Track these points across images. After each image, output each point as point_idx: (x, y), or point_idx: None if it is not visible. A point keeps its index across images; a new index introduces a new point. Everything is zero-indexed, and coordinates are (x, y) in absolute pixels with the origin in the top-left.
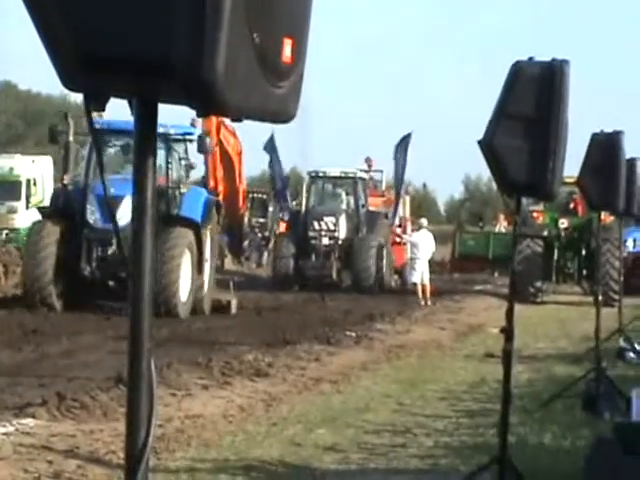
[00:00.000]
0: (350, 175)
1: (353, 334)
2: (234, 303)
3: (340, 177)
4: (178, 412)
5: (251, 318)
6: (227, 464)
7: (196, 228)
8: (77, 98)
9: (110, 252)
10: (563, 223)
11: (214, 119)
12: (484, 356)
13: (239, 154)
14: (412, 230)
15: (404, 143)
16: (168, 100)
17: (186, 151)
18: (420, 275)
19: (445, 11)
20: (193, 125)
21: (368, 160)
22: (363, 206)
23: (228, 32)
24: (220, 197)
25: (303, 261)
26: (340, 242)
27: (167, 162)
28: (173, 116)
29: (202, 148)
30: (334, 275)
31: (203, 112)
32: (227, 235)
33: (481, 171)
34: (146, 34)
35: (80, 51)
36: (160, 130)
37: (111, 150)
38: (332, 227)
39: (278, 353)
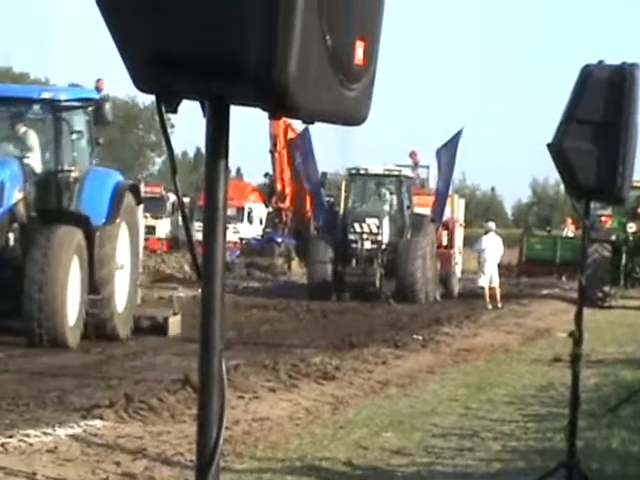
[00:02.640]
0: (394, 173)
1: (420, 337)
2: (174, 321)
3: (383, 175)
4: (245, 415)
5: (317, 321)
6: (294, 466)
7: (87, 226)
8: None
9: None
10: (631, 227)
11: (282, 122)
12: (552, 360)
13: None
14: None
15: (454, 140)
16: (240, 102)
17: (89, 123)
18: (489, 279)
19: (511, 12)
20: (98, 88)
21: (413, 155)
22: (408, 207)
23: (301, 34)
24: (287, 200)
25: (342, 267)
26: (383, 246)
27: (55, 139)
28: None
29: (100, 118)
30: (377, 282)
31: (275, 114)
32: (294, 238)
33: (548, 175)
34: (218, 35)
35: (153, 51)
36: (45, 95)
37: None
38: (375, 229)
39: (345, 356)
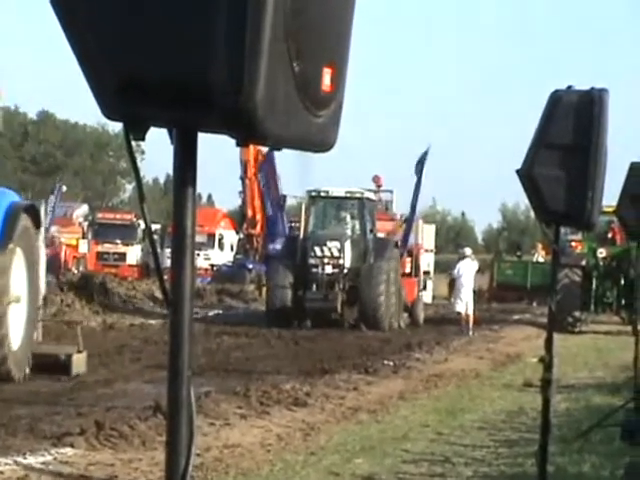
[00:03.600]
0: (356, 195)
1: (391, 363)
2: (78, 359)
3: (345, 197)
4: (216, 441)
5: (288, 347)
6: None
7: None
8: (115, 128)
9: None
10: (602, 252)
11: (252, 148)
12: (523, 386)
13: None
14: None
15: (421, 160)
16: (207, 129)
17: None
18: (465, 305)
19: (478, 37)
20: None
21: (376, 178)
22: (371, 231)
23: (268, 61)
24: (258, 226)
25: (302, 292)
26: (345, 271)
27: None
28: None
29: None
30: (339, 308)
31: (243, 142)
32: (265, 264)
33: (518, 200)
34: (184, 62)
35: (118, 79)
36: None
37: None
38: (336, 253)
39: (316, 382)
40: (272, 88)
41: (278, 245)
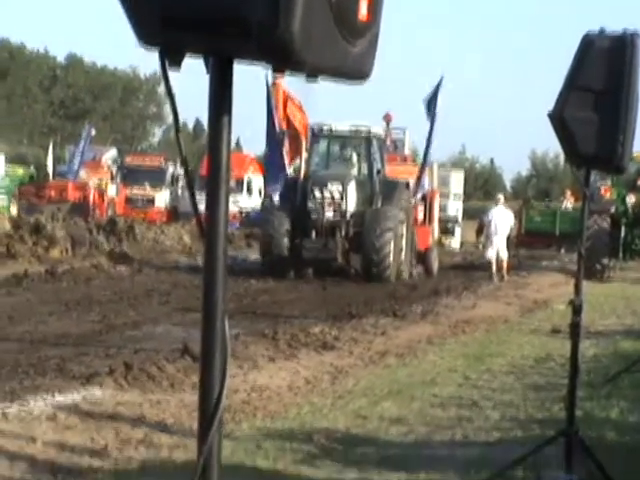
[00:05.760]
0: (363, 132)
1: (419, 308)
2: None
3: (350, 134)
4: (244, 384)
5: (316, 292)
6: (292, 435)
7: None
8: (147, 71)
9: None
10: (631, 199)
11: (281, 94)
12: (550, 332)
13: (305, 128)
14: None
15: (434, 95)
16: (243, 58)
17: None
18: (496, 251)
19: None
20: None
21: (387, 116)
22: (379, 172)
23: None
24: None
25: (300, 240)
26: (348, 216)
27: None
28: None
29: None
30: (339, 258)
31: (279, 69)
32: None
33: (547, 147)
34: None
35: (158, 6)
36: None
37: None
38: (338, 196)
39: (344, 326)
40: (308, 17)
41: (279, 186)
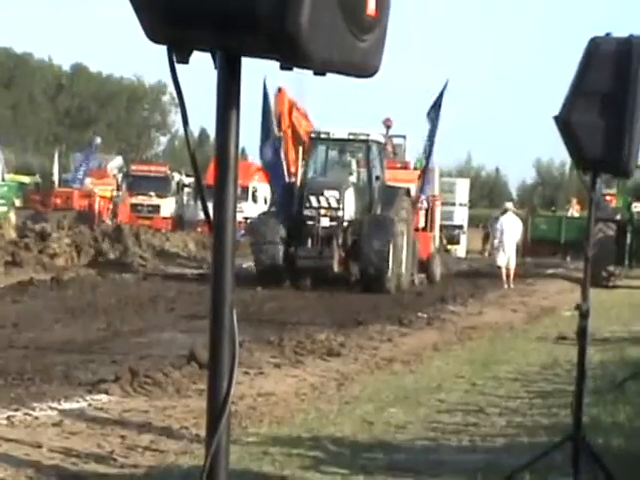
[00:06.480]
0: (362, 137)
1: (425, 315)
2: None
3: (349, 140)
4: (251, 390)
5: (322, 298)
6: (299, 441)
7: None
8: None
9: None
10: (636, 207)
11: (286, 102)
12: (557, 339)
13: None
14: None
15: (438, 103)
16: (251, 53)
17: None
18: (507, 259)
19: None
20: None
21: (387, 121)
22: (378, 178)
23: None
24: (292, 179)
25: (295, 248)
26: (345, 223)
27: None
28: None
29: None
30: (335, 266)
31: (287, 64)
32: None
33: (553, 155)
34: None
35: (164, 2)
36: None
37: None
38: (334, 204)
39: (350, 333)
40: (316, 12)
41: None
